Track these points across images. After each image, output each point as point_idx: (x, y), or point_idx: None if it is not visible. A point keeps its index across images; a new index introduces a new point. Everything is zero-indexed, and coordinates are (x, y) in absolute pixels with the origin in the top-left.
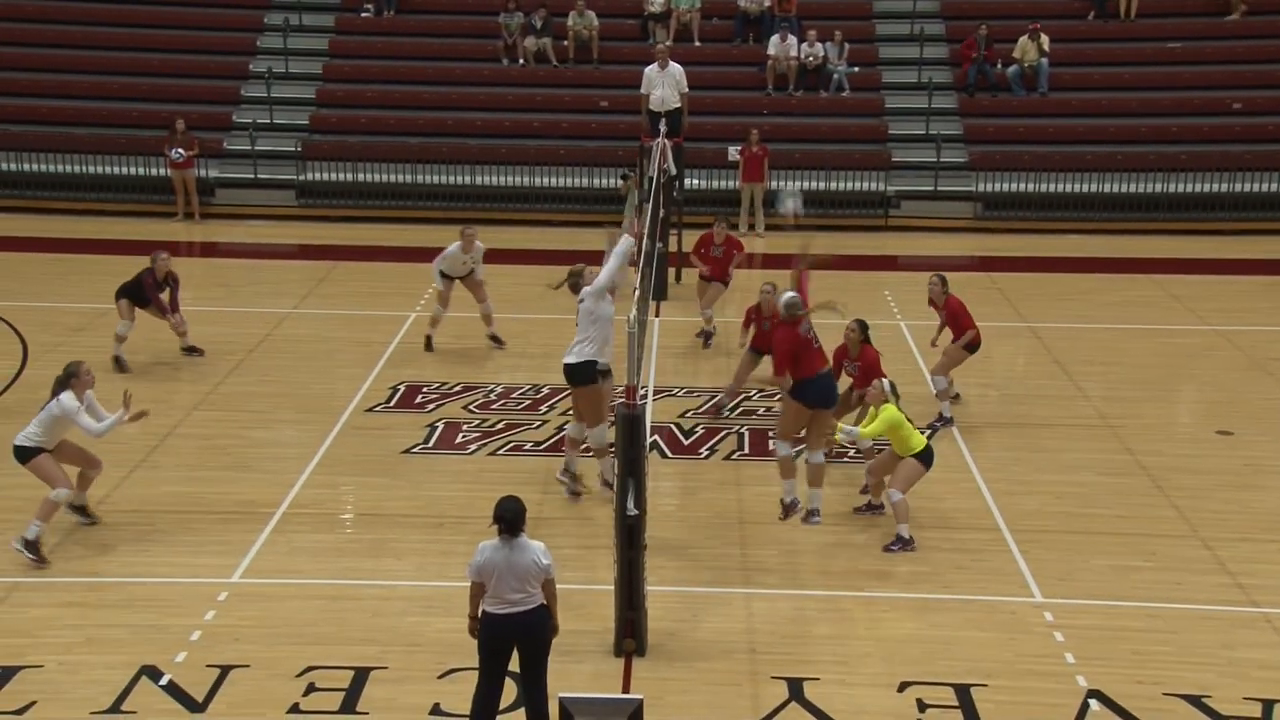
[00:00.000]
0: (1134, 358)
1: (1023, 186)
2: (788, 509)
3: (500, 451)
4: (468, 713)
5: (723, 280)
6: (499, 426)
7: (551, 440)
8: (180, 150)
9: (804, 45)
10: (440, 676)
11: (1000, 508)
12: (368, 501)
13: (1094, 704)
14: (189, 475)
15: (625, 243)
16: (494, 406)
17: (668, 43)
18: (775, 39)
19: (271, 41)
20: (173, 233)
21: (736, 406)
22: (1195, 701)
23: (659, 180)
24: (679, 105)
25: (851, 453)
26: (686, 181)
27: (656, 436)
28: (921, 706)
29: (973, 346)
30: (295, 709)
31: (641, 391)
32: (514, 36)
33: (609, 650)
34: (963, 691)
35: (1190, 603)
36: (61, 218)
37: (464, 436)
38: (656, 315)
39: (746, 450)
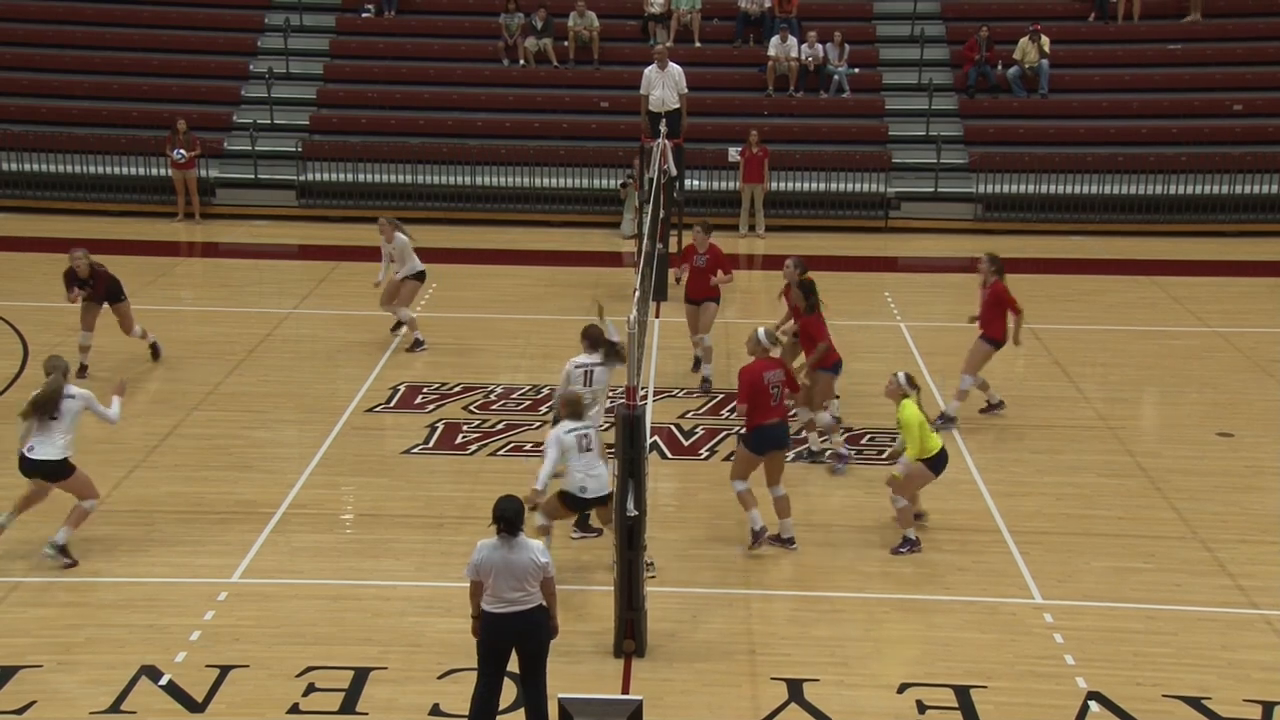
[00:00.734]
0: (1134, 359)
1: (1023, 188)
2: (757, 536)
3: (500, 452)
4: (468, 714)
5: (714, 299)
6: (499, 427)
7: None
8: (182, 151)
9: (804, 46)
10: (440, 677)
11: (1000, 509)
12: (368, 502)
13: (1094, 705)
14: (189, 475)
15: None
16: (494, 407)
17: (668, 43)
18: (776, 40)
19: (272, 42)
20: (174, 233)
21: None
22: (1195, 704)
23: (659, 181)
24: (678, 106)
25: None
26: (687, 182)
27: (656, 437)
28: (921, 708)
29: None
30: (295, 709)
31: (641, 392)
32: (514, 37)
33: (609, 651)
34: (962, 693)
35: (1190, 604)
36: (63, 218)
37: (464, 437)
38: (656, 316)
39: None
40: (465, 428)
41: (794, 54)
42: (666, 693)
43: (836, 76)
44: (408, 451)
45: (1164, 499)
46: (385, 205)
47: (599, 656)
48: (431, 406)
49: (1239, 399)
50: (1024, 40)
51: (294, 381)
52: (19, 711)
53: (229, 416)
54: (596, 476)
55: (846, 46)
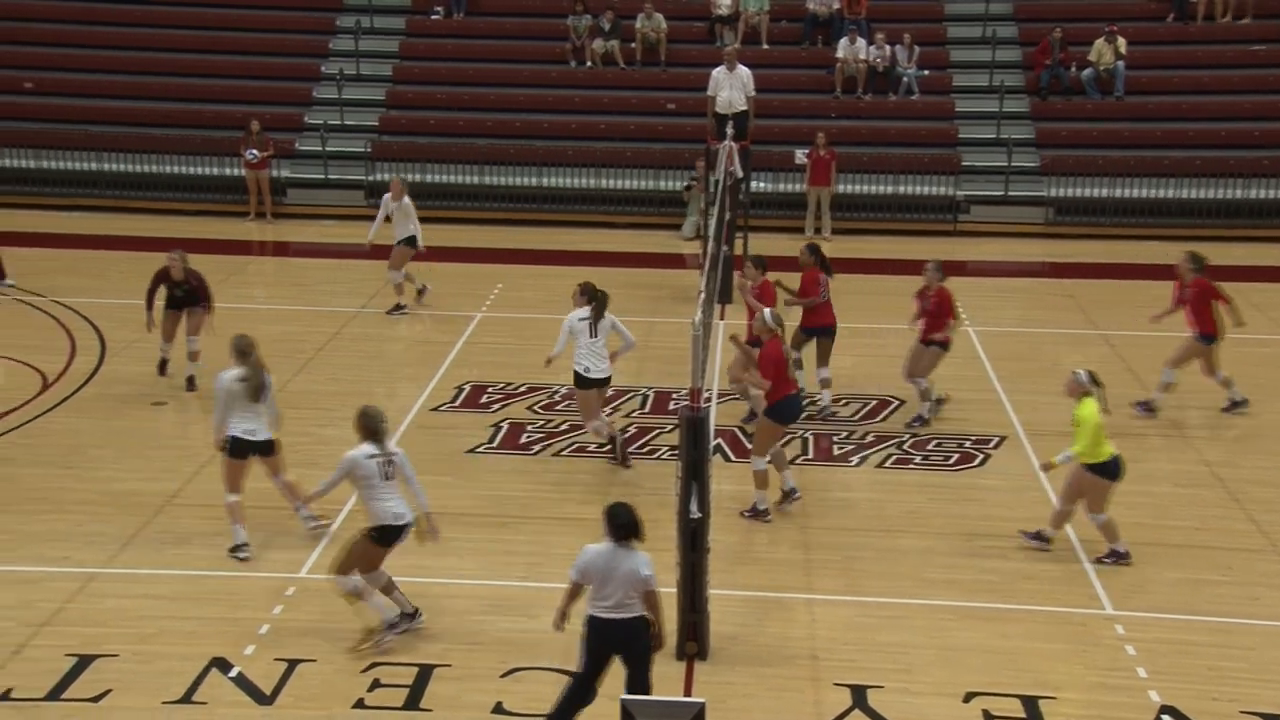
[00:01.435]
0: None
1: (1096, 192)
2: (759, 514)
3: (564, 452)
4: (530, 712)
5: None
6: (563, 427)
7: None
8: (255, 151)
9: (873, 48)
10: (503, 676)
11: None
12: (432, 500)
13: None
14: (258, 472)
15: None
16: (558, 408)
17: (736, 45)
18: (844, 41)
19: (344, 44)
20: (246, 232)
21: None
22: None
23: (725, 183)
24: (745, 108)
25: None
26: (752, 184)
27: (720, 440)
28: (988, 717)
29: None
30: (360, 704)
31: (706, 395)
32: (582, 39)
33: (671, 653)
34: (1030, 703)
35: (1268, 619)
36: (140, 217)
37: (528, 437)
38: (721, 318)
39: (810, 455)
40: (529, 428)
41: (863, 56)
42: (728, 696)
43: (906, 78)
44: (472, 451)
45: (1242, 510)
46: (451, 206)
47: (661, 658)
48: (496, 406)
49: None
50: (1099, 41)
51: (361, 380)
52: (95, 699)
53: (298, 414)
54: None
55: (916, 48)
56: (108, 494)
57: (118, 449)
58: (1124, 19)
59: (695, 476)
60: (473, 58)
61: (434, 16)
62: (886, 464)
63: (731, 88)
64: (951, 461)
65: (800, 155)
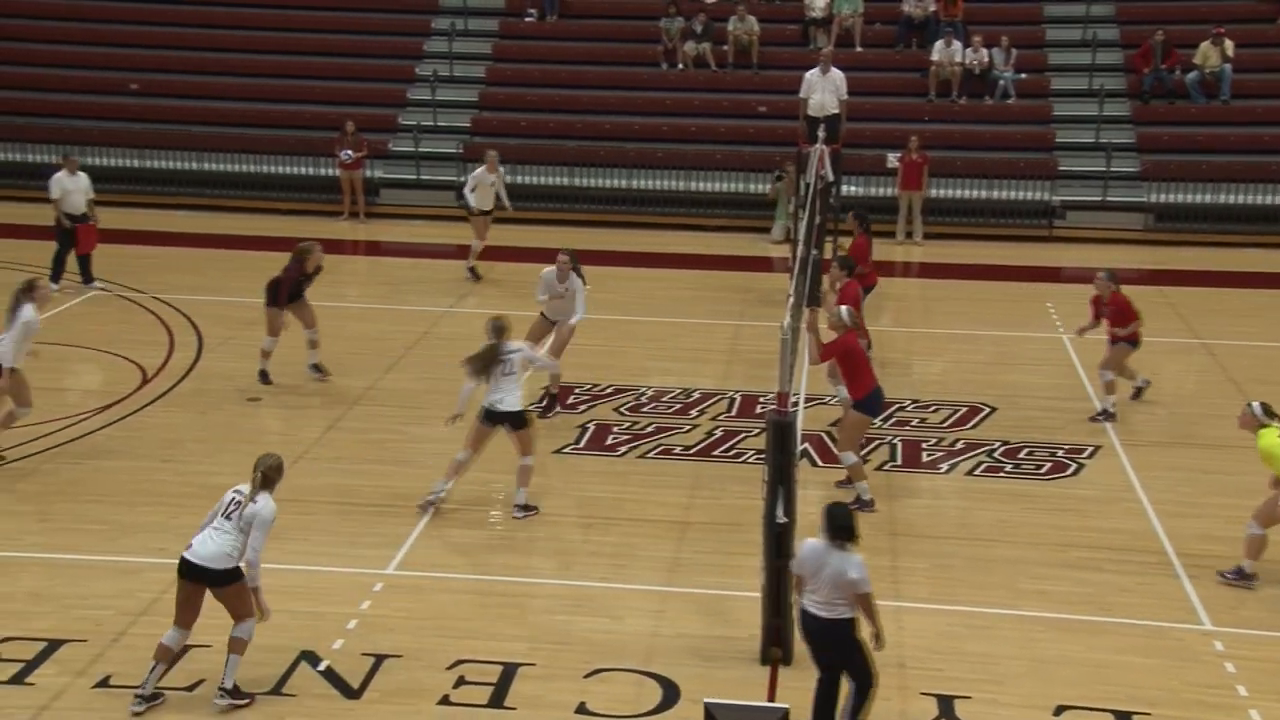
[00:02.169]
0: None
1: (1199, 197)
2: (866, 504)
3: (650, 454)
4: (612, 713)
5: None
6: (649, 429)
7: (701, 444)
8: (349, 151)
9: (969, 51)
10: (586, 676)
11: (1166, 530)
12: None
13: None
14: (348, 468)
15: None
16: (644, 409)
17: (829, 47)
18: (940, 44)
19: (437, 45)
20: (339, 231)
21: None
22: None
23: (815, 187)
24: (838, 111)
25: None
26: (843, 188)
27: (807, 445)
28: None
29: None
30: (445, 700)
31: (793, 399)
32: (674, 41)
33: (755, 657)
34: (1123, 718)
35: None
36: (238, 215)
37: (614, 438)
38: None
39: (899, 461)
40: (615, 429)
41: (958, 58)
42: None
43: (1002, 82)
44: (559, 451)
45: None
46: (541, 207)
47: (745, 663)
48: (583, 407)
49: None
50: (1205, 44)
51: (449, 379)
52: (189, 689)
53: (387, 412)
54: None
55: (1014, 51)
56: (203, 487)
57: (213, 443)
58: (1230, 20)
59: (781, 481)
60: (565, 60)
61: (527, 18)
62: (976, 472)
63: (824, 90)
64: (1044, 470)
65: (892, 159)
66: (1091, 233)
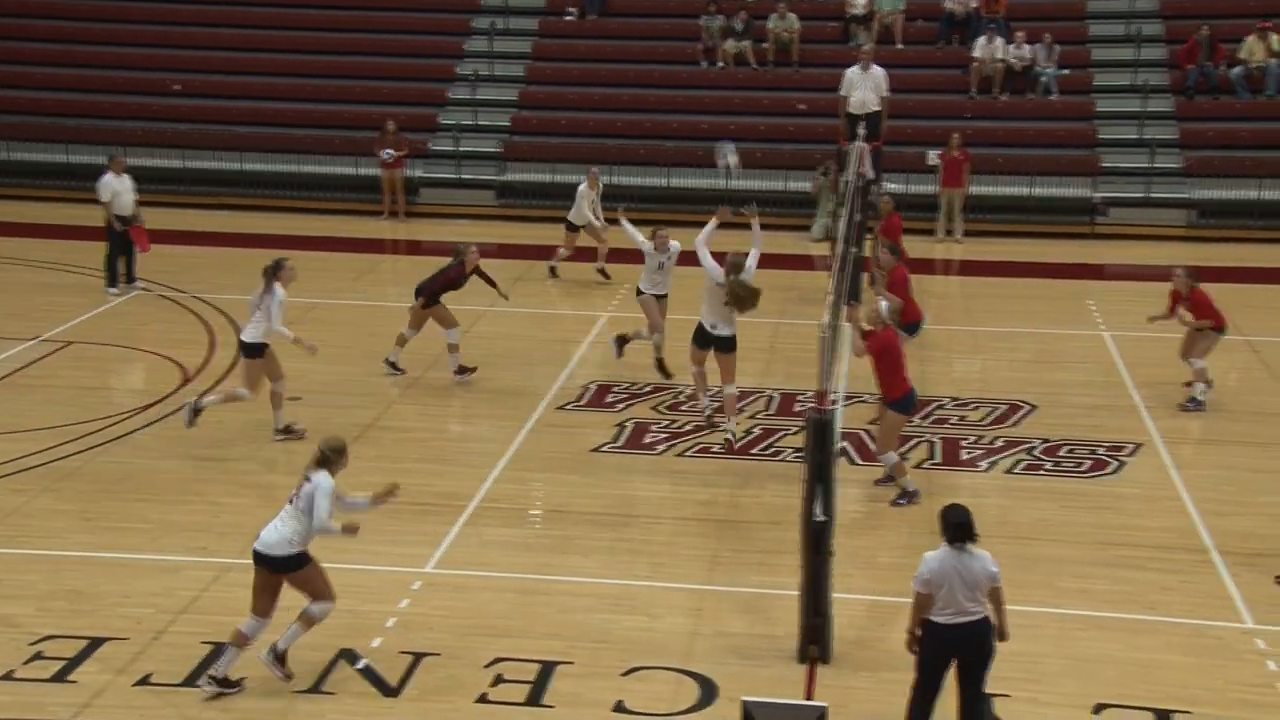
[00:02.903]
0: None
1: (1244, 194)
2: (910, 495)
3: (688, 453)
4: (650, 712)
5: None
6: (687, 428)
7: (742, 442)
8: (390, 151)
9: (1011, 47)
10: (624, 674)
11: (1209, 528)
12: (557, 498)
13: None
14: (388, 466)
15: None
16: (683, 408)
17: (870, 45)
18: (982, 41)
19: (478, 45)
20: (380, 230)
21: (930, 415)
22: None
23: (856, 184)
24: (879, 109)
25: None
26: (885, 186)
27: (846, 443)
28: None
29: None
30: (483, 699)
31: (832, 397)
32: (714, 39)
33: (793, 656)
34: (1163, 717)
35: None
36: (279, 215)
37: (652, 437)
38: (849, 320)
39: (938, 459)
40: (654, 428)
41: (1000, 55)
42: (851, 700)
43: (1044, 78)
44: (597, 450)
45: None
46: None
47: (783, 661)
48: (621, 406)
49: None
50: (1251, 39)
51: (489, 378)
52: (232, 686)
53: (427, 411)
54: None
55: (1057, 47)
56: (244, 486)
57: (255, 442)
58: (1276, 15)
59: (820, 479)
60: (605, 58)
61: (568, 17)
62: (1016, 469)
63: (865, 88)
64: (1084, 468)
65: (933, 156)
66: (1134, 230)
